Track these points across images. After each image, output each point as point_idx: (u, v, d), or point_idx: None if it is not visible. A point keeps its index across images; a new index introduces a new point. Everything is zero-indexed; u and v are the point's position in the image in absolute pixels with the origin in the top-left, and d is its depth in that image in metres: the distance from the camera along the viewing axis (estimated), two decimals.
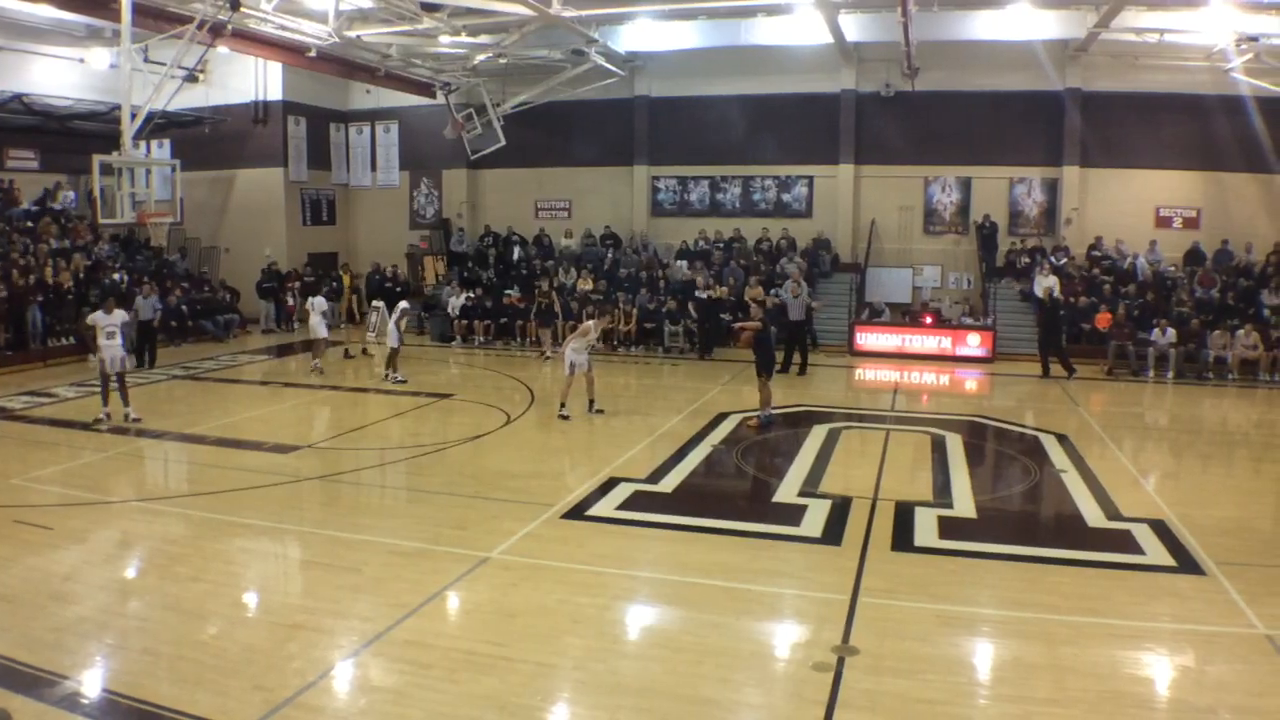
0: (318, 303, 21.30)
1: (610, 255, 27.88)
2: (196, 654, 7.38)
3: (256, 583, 9.28)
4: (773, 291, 24.42)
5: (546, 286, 25.06)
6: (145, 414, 15.68)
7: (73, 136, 26.88)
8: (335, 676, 7.11)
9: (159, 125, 22.66)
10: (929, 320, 24.18)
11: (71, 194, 27.34)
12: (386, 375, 19.55)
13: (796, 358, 21.11)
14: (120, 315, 15.70)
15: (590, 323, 17.16)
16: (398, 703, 6.63)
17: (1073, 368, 20.41)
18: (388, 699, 6.72)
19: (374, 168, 32.33)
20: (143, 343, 21.10)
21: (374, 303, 26.49)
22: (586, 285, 26.20)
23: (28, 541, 9.92)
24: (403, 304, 20.42)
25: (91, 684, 6.94)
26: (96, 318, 15.48)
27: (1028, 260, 24.93)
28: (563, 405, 16.22)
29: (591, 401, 16.52)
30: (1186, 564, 9.29)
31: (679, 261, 26.93)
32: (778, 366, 20.21)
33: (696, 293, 24.21)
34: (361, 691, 6.96)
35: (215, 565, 9.34)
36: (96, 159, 18.88)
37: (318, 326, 20.87)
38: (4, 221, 24.77)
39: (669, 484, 12.34)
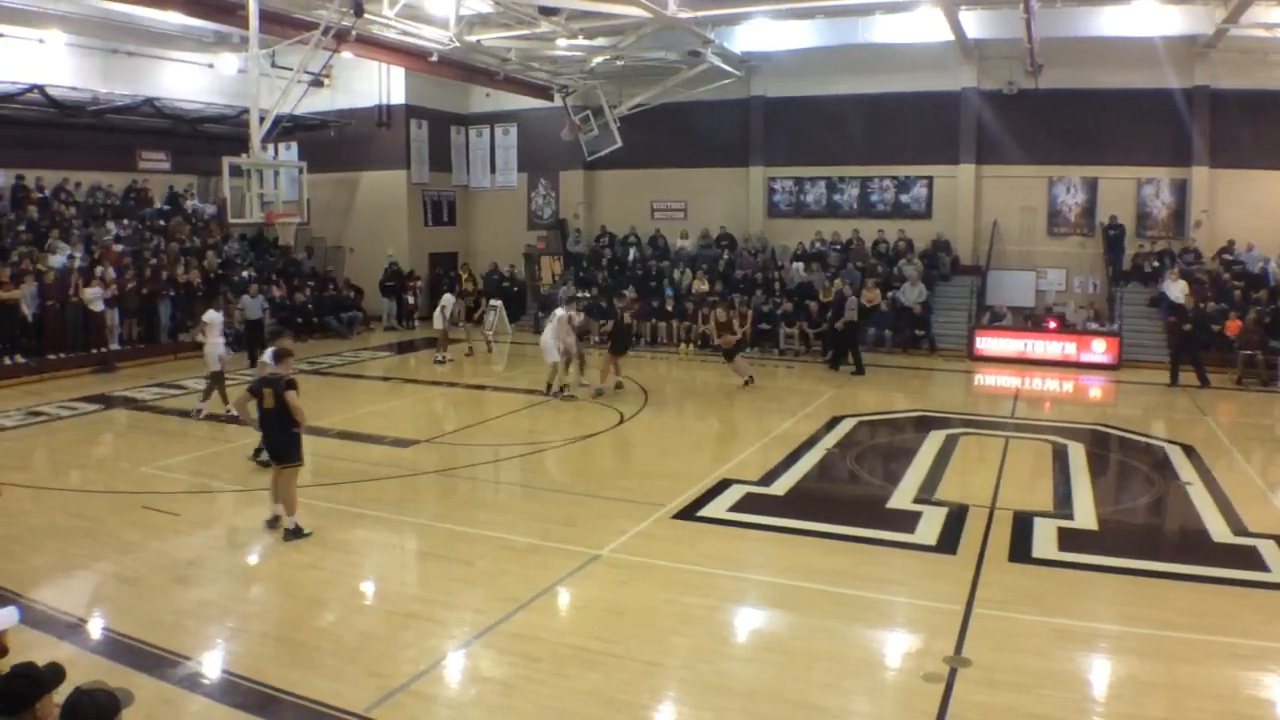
0: (445, 300, 22.39)
1: (726, 256, 27.80)
2: (314, 639, 7.63)
3: (373, 572, 9.55)
4: (890, 295, 24.19)
5: (724, 314, 20.39)
6: None
7: (202, 139, 27.97)
8: (447, 666, 7.28)
9: (286, 128, 23.37)
10: (1052, 325, 23.47)
11: (212, 206, 28.36)
12: (556, 390, 18.18)
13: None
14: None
15: (561, 309, 18.53)
16: (506, 694, 6.75)
17: (1208, 379, 19.57)
18: (496, 690, 6.85)
19: (493, 169, 32.81)
20: (251, 341, 21.73)
21: (491, 301, 27.02)
22: (702, 286, 26.21)
23: (155, 526, 10.39)
24: (557, 311, 18.65)
25: (211, 665, 7.24)
26: (214, 316, 16.23)
27: (1156, 264, 24.04)
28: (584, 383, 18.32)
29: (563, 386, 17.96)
30: None
31: (795, 264, 26.73)
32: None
33: (821, 297, 23.99)
34: (472, 681, 7.11)
35: (334, 554, 9.64)
36: (226, 161, 19.54)
37: (437, 320, 21.97)
38: (137, 220, 25.93)
39: (781, 487, 12.26)
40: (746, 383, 19.14)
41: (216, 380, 16.08)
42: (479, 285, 28.01)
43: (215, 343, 15.98)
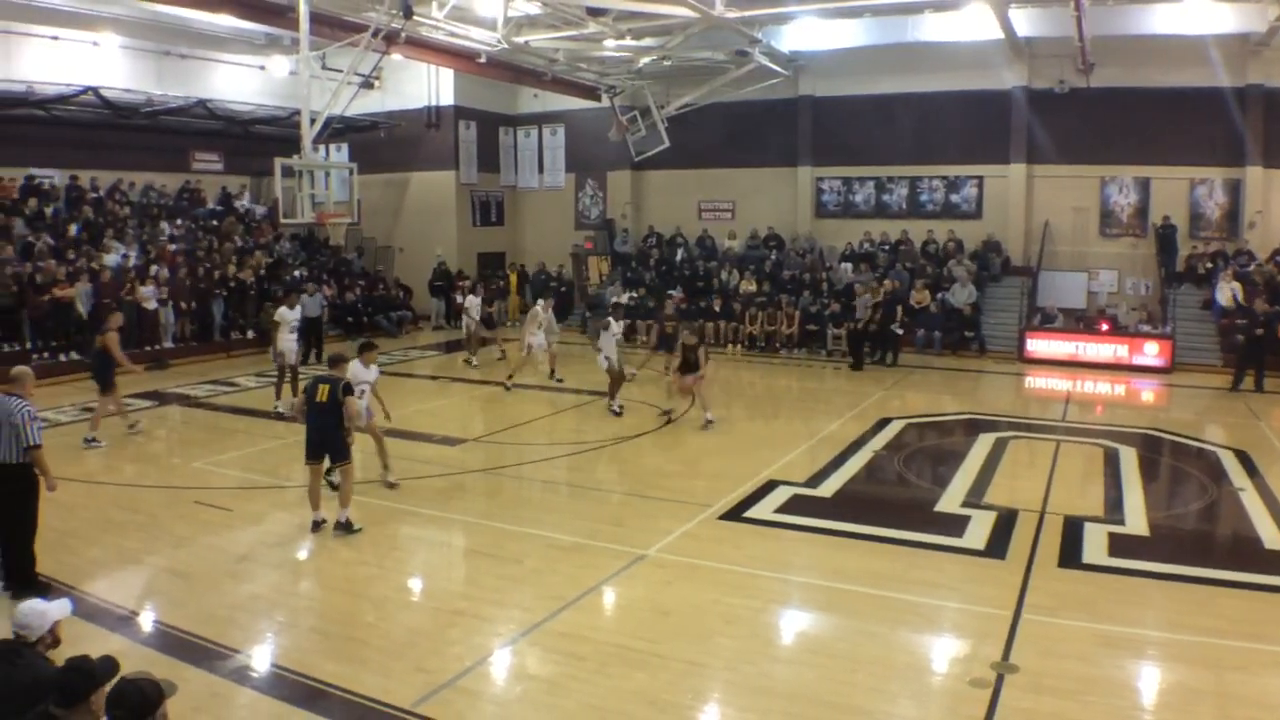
0: (470, 302, 22.71)
1: (773, 257, 27.69)
2: (363, 634, 7.71)
3: (422, 569, 9.65)
4: (940, 296, 23.99)
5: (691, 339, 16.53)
6: None
7: (254, 140, 28.35)
8: (493, 663, 7.33)
9: (337, 130, 23.60)
10: (1104, 327, 23.14)
11: (263, 207, 28.71)
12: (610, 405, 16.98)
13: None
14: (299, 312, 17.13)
15: (537, 307, 19.57)
16: (551, 692, 6.78)
17: (1262, 385, 19.15)
18: (542, 688, 6.88)
19: (541, 169, 32.93)
20: (309, 338, 21.85)
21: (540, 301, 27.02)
22: (750, 287, 26.14)
23: (207, 522, 10.56)
24: (614, 328, 17.41)
25: (260, 658, 7.34)
26: (286, 314, 16.64)
27: (1209, 265, 23.61)
28: (509, 378, 18.76)
29: (552, 371, 19.25)
30: None
31: (844, 264, 26.57)
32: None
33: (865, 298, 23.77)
34: (517, 679, 7.15)
35: (383, 550, 9.75)
36: (278, 162, 19.75)
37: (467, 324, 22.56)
38: (190, 220, 26.33)
39: (828, 489, 12.20)
40: (666, 413, 16.34)
41: (280, 375, 16.43)
42: (491, 290, 27.92)
43: (286, 339, 16.41)
